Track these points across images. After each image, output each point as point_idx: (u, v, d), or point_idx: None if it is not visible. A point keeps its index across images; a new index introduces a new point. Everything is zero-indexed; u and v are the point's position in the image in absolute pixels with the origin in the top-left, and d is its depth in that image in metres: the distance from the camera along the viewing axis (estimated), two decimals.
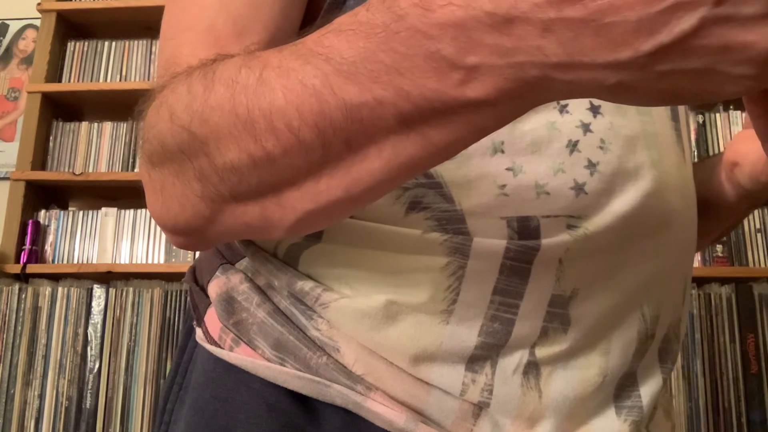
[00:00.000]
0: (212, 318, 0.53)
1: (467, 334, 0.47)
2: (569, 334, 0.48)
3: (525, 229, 0.47)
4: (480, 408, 0.47)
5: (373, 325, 0.48)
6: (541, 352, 0.48)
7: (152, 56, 2.16)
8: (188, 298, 0.59)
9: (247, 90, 0.35)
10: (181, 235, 0.44)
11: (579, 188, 0.47)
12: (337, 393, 0.47)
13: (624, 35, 0.26)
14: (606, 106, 0.49)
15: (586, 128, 0.49)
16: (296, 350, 0.48)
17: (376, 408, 0.46)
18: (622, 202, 0.48)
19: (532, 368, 0.48)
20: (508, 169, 0.47)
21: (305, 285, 0.50)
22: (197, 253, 2.08)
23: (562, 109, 0.49)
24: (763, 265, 1.84)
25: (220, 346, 0.51)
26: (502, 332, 0.47)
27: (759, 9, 0.25)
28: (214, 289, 0.54)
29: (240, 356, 0.50)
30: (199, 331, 0.54)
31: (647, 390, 0.52)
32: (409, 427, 0.46)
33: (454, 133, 0.32)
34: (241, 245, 0.55)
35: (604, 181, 0.48)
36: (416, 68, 0.30)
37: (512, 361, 0.47)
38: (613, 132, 0.49)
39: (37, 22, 2.20)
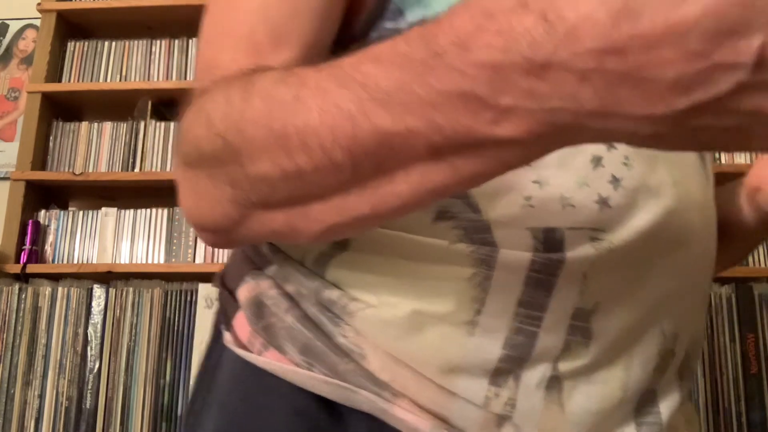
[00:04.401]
0: (241, 322, 0.54)
1: (491, 346, 0.48)
2: (591, 348, 0.49)
3: (550, 241, 0.47)
4: (503, 418, 0.48)
5: (399, 335, 0.48)
6: (564, 366, 0.48)
7: (152, 56, 2.16)
8: (218, 302, 0.60)
9: (284, 106, 0.36)
10: (209, 232, 0.45)
11: (603, 202, 0.48)
12: (364, 399, 0.48)
13: (661, 91, 0.27)
14: None
15: (610, 144, 0.49)
16: (324, 356, 0.49)
17: (402, 415, 0.47)
18: (645, 218, 0.49)
19: (554, 383, 0.48)
20: (534, 181, 0.47)
21: (332, 294, 0.51)
22: (197, 255, 2.07)
23: None
24: (763, 265, 1.84)
25: (249, 350, 0.52)
26: (526, 345, 0.48)
27: None
28: (243, 293, 0.55)
29: (269, 361, 0.51)
30: (227, 335, 0.55)
31: (666, 406, 0.52)
32: None
33: (482, 166, 0.32)
34: (270, 252, 0.56)
35: (628, 196, 0.49)
36: (450, 104, 0.30)
37: (535, 375, 0.48)
38: (636, 150, 0.49)
39: (37, 22, 2.20)
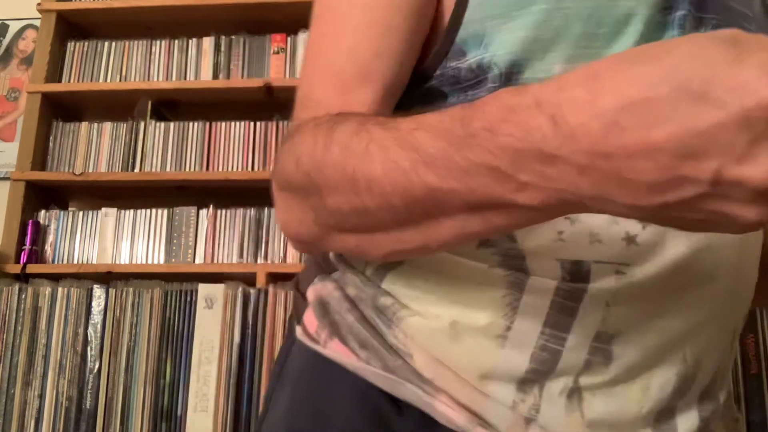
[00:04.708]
0: (310, 317, 0.63)
1: (520, 359, 0.54)
2: (611, 368, 0.54)
3: (577, 272, 0.53)
4: (530, 420, 0.55)
5: (440, 341, 0.56)
6: (585, 380, 0.54)
7: (152, 56, 2.16)
8: (292, 305, 0.70)
9: (355, 156, 0.44)
10: (298, 242, 0.54)
11: (630, 239, 0.53)
12: (409, 391, 0.56)
13: (640, 189, 0.33)
14: None
15: None
16: (378, 352, 0.57)
17: (441, 408, 0.55)
18: (671, 254, 0.53)
19: (575, 393, 0.54)
20: (566, 217, 0.53)
21: (386, 301, 0.59)
22: (197, 255, 2.07)
23: None
24: None
25: (316, 341, 0.61)
26: (550, 361, 0.54)
27: (744, 194, 0.31)
28: (312, 293, 0.64)
29: (333, 352, 0.59)
30: (298, 329, 0.63)
31: (684, 426, 0.56)
32: (468, 427, 0.54)
33: (509, 220, 0.40)
34: (336, 260, 0.64)
35: (656, 234, 0.53)
36: (481, 173, 0.38)
37: (558, 386, 0.54)
38: None
39: (37, 22, 2.20)
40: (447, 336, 0.56)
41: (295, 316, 0.66)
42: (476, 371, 0.55)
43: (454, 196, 0.39)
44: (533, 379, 0.54)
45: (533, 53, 0.53)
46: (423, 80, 0.58)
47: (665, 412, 0.56)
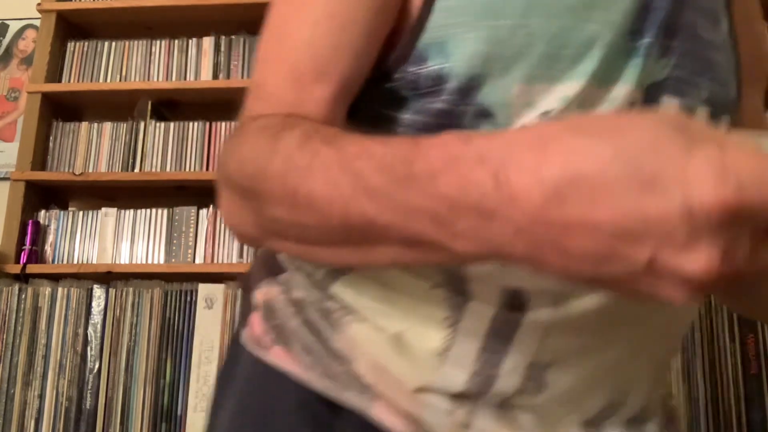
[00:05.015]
0: (256, 321, 0.63)
1: (458, 379, 0.55)
2: (543, 394, 0.55)
3: (515, 300, 0.54)
4: (466, 426, 0.56)
5: (382, 350, 0.56)
6: (516, 400, 0.56)
7: (152, 56, 2.16)
8: (240, 303, 0.70)
9: (298, 171, 0.44)
10: (241, 239, 0.54)
11: None
12: (349, 397, 0.57)
13: (573, 259, 0.34)
14: None
15: None
16: (320, 357, 0.58)
17: (379, 413, 0.56)
18: (604, 294, 0.53)
19: (508, 407, 0.56)
20: None
21: (332, 305, 0.58)
22: (197, 255, 2.08)
23: None
24: None
25: (260, 346, 0.61)
26: (486, 383, 0.55)
27: (676, 280, 0.32)
28: (259, 297, 0.63)
29: (276, 358, 0.59)
30: (244, 333, 0.63)
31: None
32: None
33: (445, 259, 0.40)
34: (285, 261, 0.64)
35: None
36: (419, 215, 0.38)
37: (491, 401, 0.56)
38: None
39: (37, 22, 2.20)
40: (390, 346, 0.56)
41: (242, 319, 0.66)
42: (414, 382, 0.56)
43: (390, 230, 0.39)
44: (468, 395, 0.55)
45: (493, 69, 0.53)
46: (384, 79, 0.56)
47: (593, 424, 0.58)
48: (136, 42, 2.16)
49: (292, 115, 0.51)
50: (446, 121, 0.54)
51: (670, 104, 0.55)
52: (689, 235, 0.30)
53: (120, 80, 2.14)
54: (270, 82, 0.55)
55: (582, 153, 0.32)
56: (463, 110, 0.54)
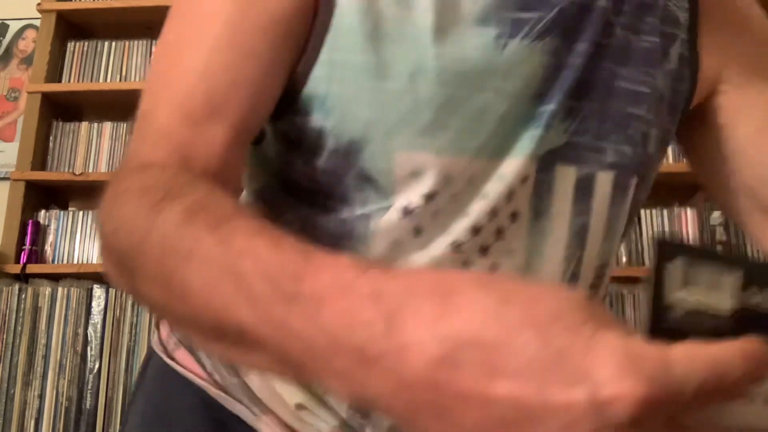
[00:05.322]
0: (164, 325, 0.64)
1: (331, 418, 0.57)
2: None
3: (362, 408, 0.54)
4: None
5: (270, 375, 0.57)
6: None
7: (152, 56, 2.15)
8: None
9: (176, 257, 0.39)
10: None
11: None
12: (240, 410, 0.58)
13: (455, 429, 0.30)
14: (494, 247, 0.53)
15: (466, 267, 0.54)
16: (218, 367, 0.59)
17: (264, 428, 0.58)
18: None
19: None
20: None
21: None
22: None
23: (457, 248, 0.54)
24: None
25: (167, 348, 0.62)
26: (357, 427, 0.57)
27: None
28: None
29: (179, 361, 0.61)
30: (154, 337, 0.65)
31: None
32: None
33: (318, 383, 0.36)
34: None
35: None
36: (294, 340, 0.34)
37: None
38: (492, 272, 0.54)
39: (37, 22, 2.20)
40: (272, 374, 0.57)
41: (156, 325, 0.67)
42: (295, 399, 0.57)
43: (266, 343, 0.36)
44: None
45: (375, 135, 0.50)
46: (291, 107, 0.53)
47: None
48: (136, 42, 2.16)
49: (181, 166, 0.47)
50: (331, 180, 0.52)
51: (565, 173, 0.54)
52: (593, 429, 0.27)
53: (120, 80, 2.14)
54: (160, 115, 0.50)
55: (488, 315, 0.29)
56: (344, 172, 0.52)
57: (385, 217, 0.52)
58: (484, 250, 0.54)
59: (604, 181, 0.55)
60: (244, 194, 0.61)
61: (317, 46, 0.51)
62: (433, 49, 0.50)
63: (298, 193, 0.56)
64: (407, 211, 0.52)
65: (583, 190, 0.55)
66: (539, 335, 0.28)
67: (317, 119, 0.51)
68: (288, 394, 0.57)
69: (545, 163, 0.53)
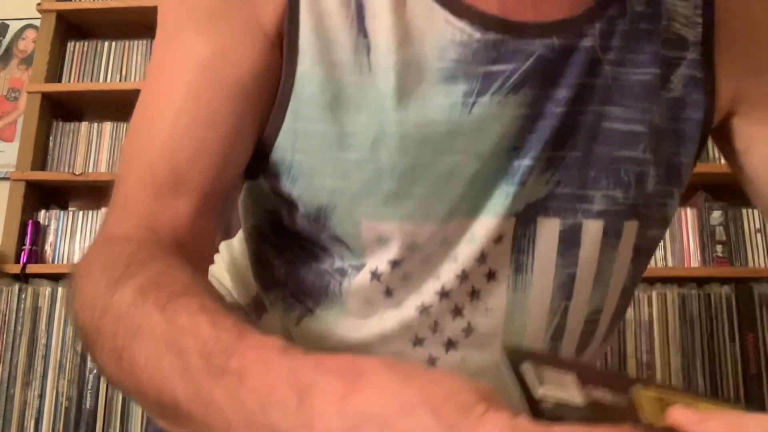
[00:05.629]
0: None
1: None
2: None
3: None
4: None
5: None
6: None
7: (152, 56, 2.15)
8: None
9: (126, 335, 0.41)
10: None
11: None
12: None
13: None
14: (463, 341, 0.53)
15: (432, 362, 0.54)
16: None
17: None
18: None
19: None
20: None
21: None
22: None
23: (417, 343, 0.53)
24: (763, 265, 1.84)
25: None
26: None
27: None
28: None
29: None
30: None
31: None
32: None
33: None
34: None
35: None
36: (218, 413, 0.35)
37: None
38: (463, 366, 0.54)
39: (37, 22, 2.20)
40: None
41: None
42: None
43: (192, 416, 0.37)
44: None
45: (340, 203, 0.50)
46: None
47: None
48: (136, 42, 2.16)
49: (148, 237, 0.48)
50: (309, 238, 0.53)
51: (548, 225, 0.52)
52: None
53: (120, 80, 2.14)
54: (128, 184, 0.50)
55: (388, 394, 0.31)
56: (319, 232, 0.52)
57: (357, 277, 0.53)
58: (457, 312, 0.53)
59: (592, 230, 0.53)
60: (240, 232, 0.62)
61: (281, 113, 0.50)
62: (394, 114, 0.48)
63: (284, 235, 0.56)
64: (376, 275, 0.52)
65: (569, 241, 0.53)
66: (433, 412, 0.29)
67: (286, 185, 0.52)
68: None
69: (525, 217, 0.51)
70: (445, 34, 0.48)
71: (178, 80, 0.50)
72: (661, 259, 1.84)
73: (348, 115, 0.49)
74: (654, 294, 1.77)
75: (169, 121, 0.49)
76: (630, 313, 1.77)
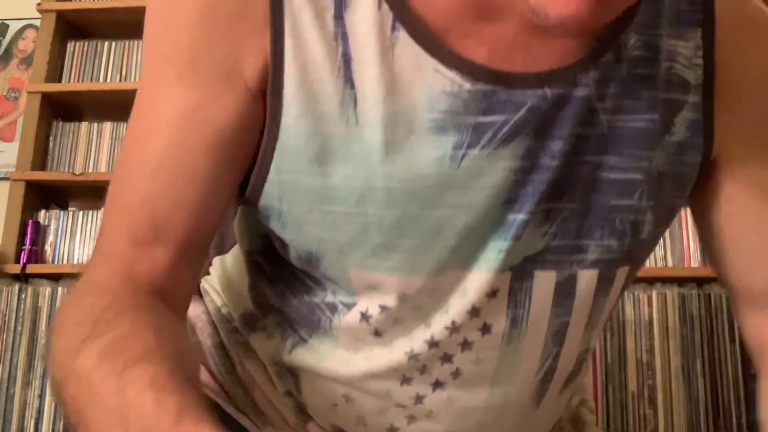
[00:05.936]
0: None
1: None
2: None
3: None
4: None
5: (270, 389, 0.61)
6: None
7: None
8: None
9: (84, 398, 0.41)
10: None
11: (393, 430, 0.57)
12: (245, 422, 0.61)
13: None
14: (450, 383, 0.54)
15: (419, 399, 0.55)
16: (224, 382, 0.62)
17: None
18: None
19: None
20: (342, 395, 0.56)
21: (241, 338, 0.62)
22: None
23: (404, 382, 0.55)
24: None
25: None
26: None
27: None
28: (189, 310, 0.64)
29: None
30: None
31: None
32: None
33: None
34: (206, 291, 0.66)
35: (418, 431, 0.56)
36: None
37: None
38: (449, 404, 0.55)
39: (37, 22, 2.20)
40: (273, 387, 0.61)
41: None
42: (295, 419, 0.60)
43: None
44: None
45: (328, 252, 0.51)
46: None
47: None
48: (136, 42, 2.16)
49: (125, 285, 0.49)
50: (302, 270, 0.54)
51: (544, 278, 0.51)
52: None
53: (120, 80, 2.14)
54: (109, 231, 0.51)
55: None
56: (311, 271, 0.53)
57: (347, 315, 0.53)
58: (446, 358, 0.53)
59: (586, 279, 0.52)
60: (237, 252, 0.63)
61: (266, 165, 0.50)
62: (381, 168, 0.47)
63: (278, 262, 0.56)
64: (365, 317, 0.53)
65: (564, 292, 0.52)
66: None
67: (276, 227, 0.52)
68: (287, 411, 0.60)
69: (521, 271, 0.51)
70: (435, 85, 0.47)
71: (159, 132, 0.50)
72: (661, 259, 1.83)
73: (334, 168, 0.48)
74: (654, 294, 1.77)
75: (147, 174, 0.49)
76: (630, 313, 1.77)
